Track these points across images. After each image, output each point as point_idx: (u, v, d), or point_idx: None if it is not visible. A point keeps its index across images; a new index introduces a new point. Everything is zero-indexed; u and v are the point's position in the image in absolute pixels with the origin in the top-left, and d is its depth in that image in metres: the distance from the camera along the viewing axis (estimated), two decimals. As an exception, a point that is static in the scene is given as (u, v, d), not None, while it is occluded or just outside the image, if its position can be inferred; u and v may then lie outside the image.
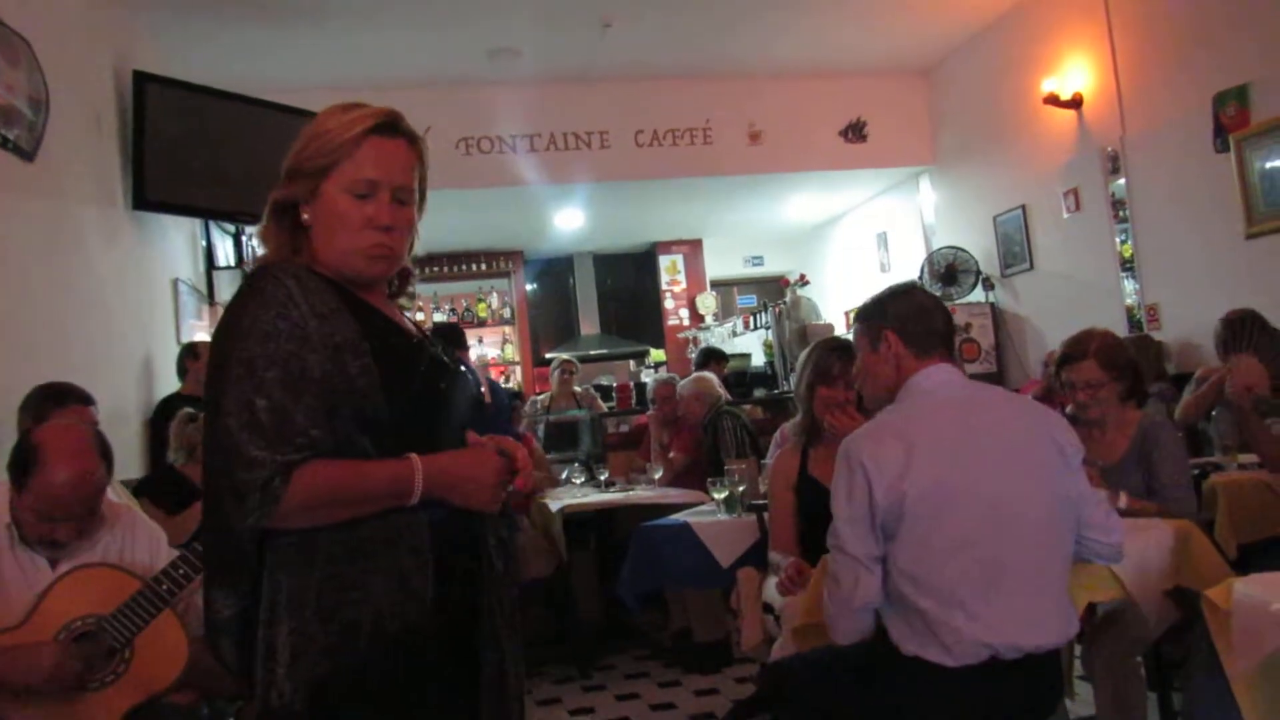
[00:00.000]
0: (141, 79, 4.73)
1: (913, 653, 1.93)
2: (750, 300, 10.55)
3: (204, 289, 5.95)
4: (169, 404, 4.36)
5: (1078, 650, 2.76)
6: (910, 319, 2.15)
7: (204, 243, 6.04)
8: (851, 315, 2.34)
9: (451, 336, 5.03)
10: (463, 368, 1.57)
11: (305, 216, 1.45)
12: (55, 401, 3.01)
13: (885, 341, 2.14)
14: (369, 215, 1.42)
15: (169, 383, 4.81)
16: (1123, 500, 2.64)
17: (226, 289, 6.18)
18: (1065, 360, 2.95)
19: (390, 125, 1.44)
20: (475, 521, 1.46)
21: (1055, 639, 1.98)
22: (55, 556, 2.23)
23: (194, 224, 5.83)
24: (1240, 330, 4.13)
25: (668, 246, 10.06)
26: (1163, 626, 2.55)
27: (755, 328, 8.97)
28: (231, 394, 1.29)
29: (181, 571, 2.21)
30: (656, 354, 9.72)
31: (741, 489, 3.69)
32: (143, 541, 2.41)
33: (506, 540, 1.54)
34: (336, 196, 1.41)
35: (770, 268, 10.69)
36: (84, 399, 3.10)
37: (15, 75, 3.27)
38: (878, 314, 2.20)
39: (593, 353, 9.55)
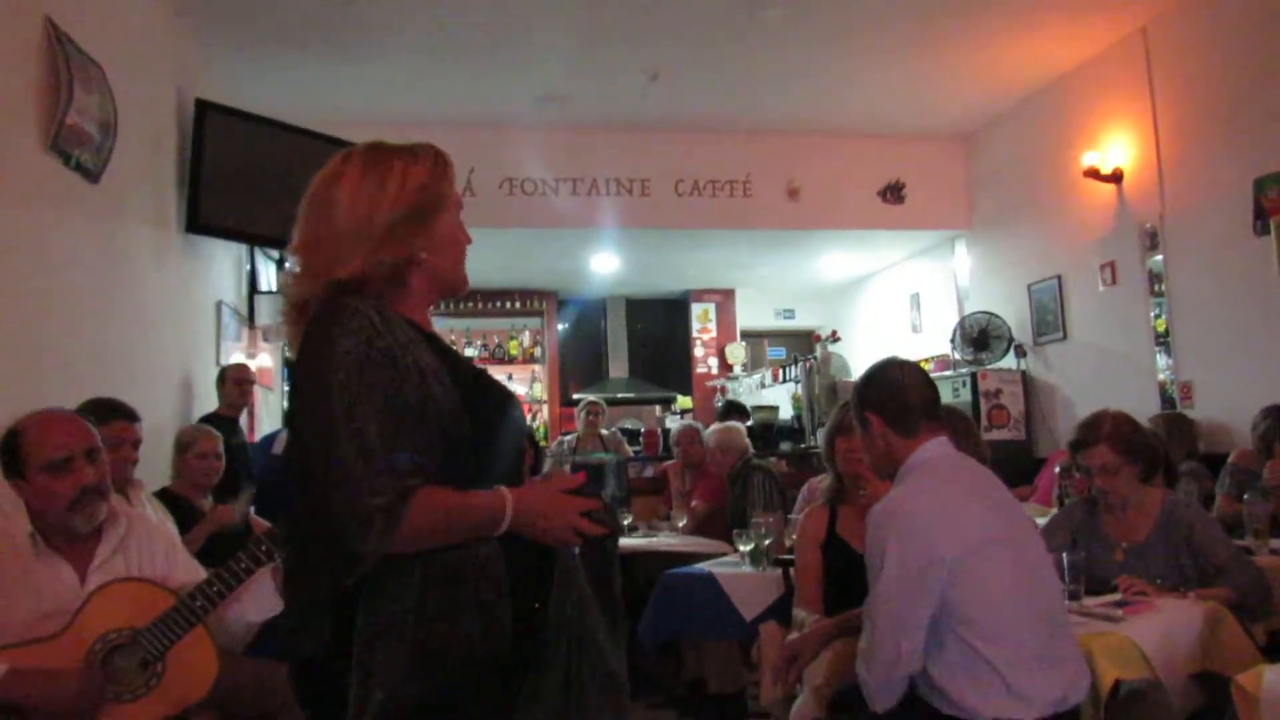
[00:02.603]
0: (203, 106, 4.89)
1: (994, 715, 1.94)
2: (780, 353, 10.57)
3: (245, 312, 6.07)
4: (205, 423, 4.43)
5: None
6: (886, 401, 2.22)
7: (248, 267, 6.18)
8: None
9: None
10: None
11: (424, 255, 1.50)
12: (101, 417, 3.07)
13: (870, 424, 2.22)
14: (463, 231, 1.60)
15: (207, 402, 4.90)
16: (1191, 596, 2.61)
17: (267, 313, 6.30)
18: (1078, 445, 2.88)
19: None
20: (542, 552, 1.47)
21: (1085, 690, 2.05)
22: (87, 544, 2.28)
23: (240, 248, 5.98)
24: None
25: (700, 294, 10.15)
26: (1187, 710, 2.52)
27: (784, 380, 8.97)
28: (340, 422, 1.31)
29: (215, 589, 2.26)
30: (683, 401, 9.73)
31: (768, 542, 3.69)
32: (159, 549, 2.46)
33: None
34: (451, 223, 1.55)
35: (801, 321, 10.74)
36: (129, 415, 3.16)
37: (88, 100, 3.39)
38: (858, 399, 2.29)
39: (620, 395, 9.58)
